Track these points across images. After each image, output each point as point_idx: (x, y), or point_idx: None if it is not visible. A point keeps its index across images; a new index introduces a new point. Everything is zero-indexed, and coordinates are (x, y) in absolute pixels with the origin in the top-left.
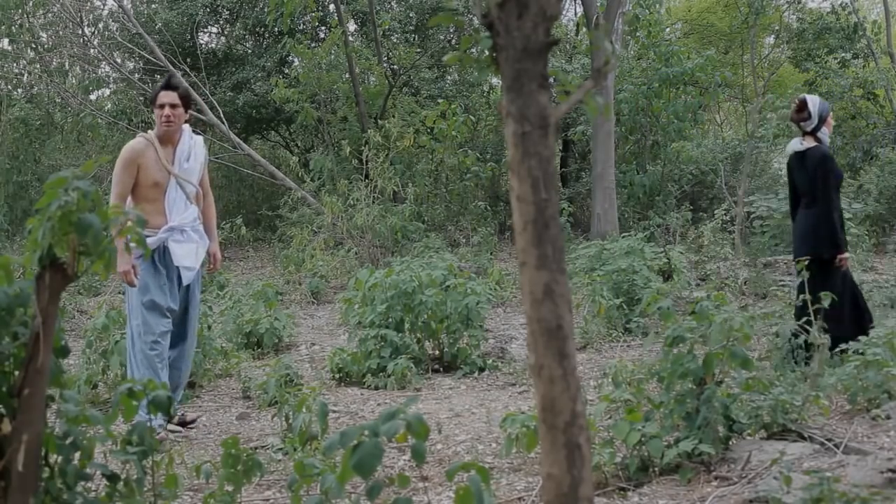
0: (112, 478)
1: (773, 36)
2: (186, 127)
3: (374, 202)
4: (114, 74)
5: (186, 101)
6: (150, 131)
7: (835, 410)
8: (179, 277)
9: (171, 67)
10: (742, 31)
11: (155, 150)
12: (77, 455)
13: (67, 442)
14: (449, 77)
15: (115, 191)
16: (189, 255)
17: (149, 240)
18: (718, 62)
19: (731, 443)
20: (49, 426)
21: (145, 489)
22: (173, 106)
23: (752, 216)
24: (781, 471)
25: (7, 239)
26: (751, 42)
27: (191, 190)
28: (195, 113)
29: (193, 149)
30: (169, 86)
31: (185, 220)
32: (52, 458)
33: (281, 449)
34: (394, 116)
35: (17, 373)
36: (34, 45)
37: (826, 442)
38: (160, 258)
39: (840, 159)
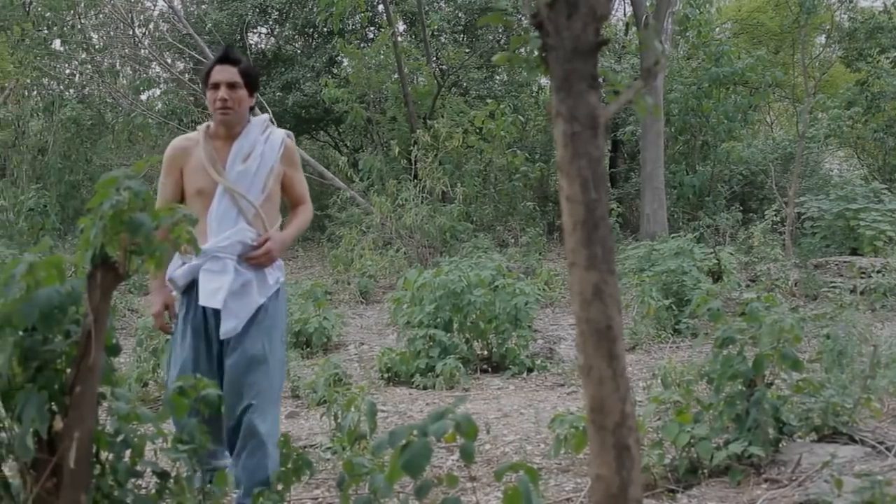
0: (162, 475)
1: (824, 35)
2: (259, 118)
3: (422, 202)
4: (164, 75)
5: (251, 80)
6: (207, 123)
7: (887, 413)
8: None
9: None
10: (793, 31)
11: (203, 147)
12: (128, 453)
13: (119, 439)
14: (498, 77)
15: (157, 201)
16: (218, 291)
17: (178, 272)
18: (769, 62)
19: (781, 445)
20: (100, 424)
21: (195, 487)
22: (231, 86)
23: (802, 217)
24: (832, 474)
25: (59, 238)
26: (801, 42)
27: (244, 205)
28: None
29: (261, 146)
30: (226, 58)
31: (222, 242)
32: (104, 455)
33: (330, 448)
34: (443, 116)
35: (69, 371)
36: (86, 46)
37: (877, 445)
38: (196, 297)
39: (892, 160)
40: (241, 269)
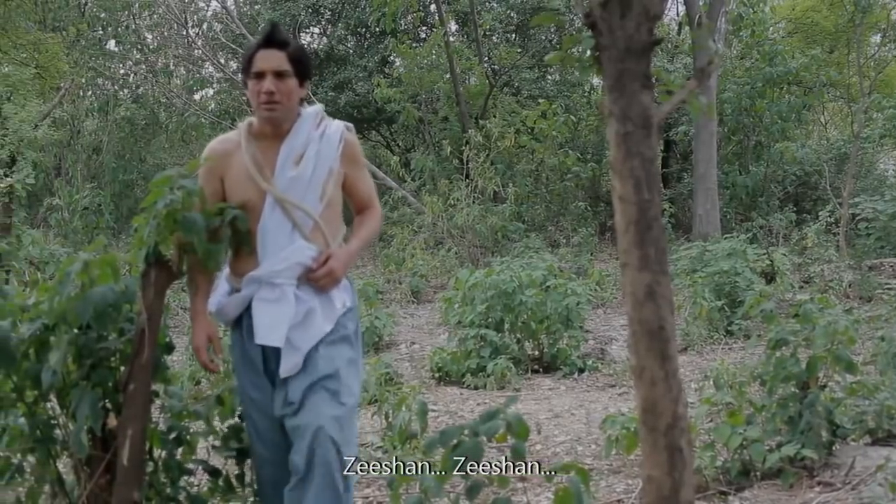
0: (214, 473)
1: (879, 34)
2: (311, 110)
3: (474, 202)
4: (217, 75)
5: (302, 66)
6: (249, 119)
7: None
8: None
9: None
10: (847, 30)
11: (246, 150)
12: (180, 450)
13: (171, 437)
14: (550, 77)
15: None
16: (277, 326)
17: (223, 304)
18: (823, 61)
19: (834, 448)
20: (153, 421)
21: (245, 484)
22: (279, 75)
23: (857, 218)
24: (886, 477)
25: (113, 237)
26: (856, 41)
27: (300, 217)
28: None
29: (316, 144)
30: (271, 41)
31: (277, 266)
32: (157, 452)
33: (381, 447)
34: (494, 116)
35: (123, 368)
36: (140, 46)
37: None
38: (249, 331)
39: None
40: (303, 296)
